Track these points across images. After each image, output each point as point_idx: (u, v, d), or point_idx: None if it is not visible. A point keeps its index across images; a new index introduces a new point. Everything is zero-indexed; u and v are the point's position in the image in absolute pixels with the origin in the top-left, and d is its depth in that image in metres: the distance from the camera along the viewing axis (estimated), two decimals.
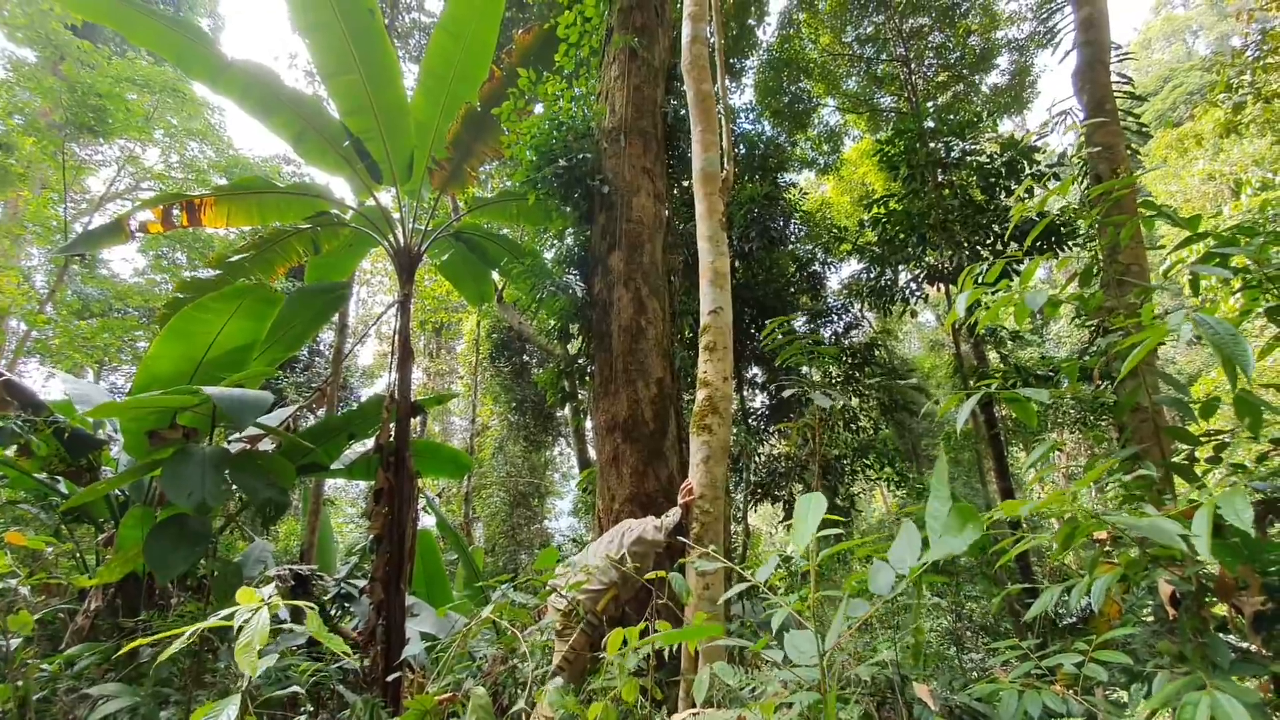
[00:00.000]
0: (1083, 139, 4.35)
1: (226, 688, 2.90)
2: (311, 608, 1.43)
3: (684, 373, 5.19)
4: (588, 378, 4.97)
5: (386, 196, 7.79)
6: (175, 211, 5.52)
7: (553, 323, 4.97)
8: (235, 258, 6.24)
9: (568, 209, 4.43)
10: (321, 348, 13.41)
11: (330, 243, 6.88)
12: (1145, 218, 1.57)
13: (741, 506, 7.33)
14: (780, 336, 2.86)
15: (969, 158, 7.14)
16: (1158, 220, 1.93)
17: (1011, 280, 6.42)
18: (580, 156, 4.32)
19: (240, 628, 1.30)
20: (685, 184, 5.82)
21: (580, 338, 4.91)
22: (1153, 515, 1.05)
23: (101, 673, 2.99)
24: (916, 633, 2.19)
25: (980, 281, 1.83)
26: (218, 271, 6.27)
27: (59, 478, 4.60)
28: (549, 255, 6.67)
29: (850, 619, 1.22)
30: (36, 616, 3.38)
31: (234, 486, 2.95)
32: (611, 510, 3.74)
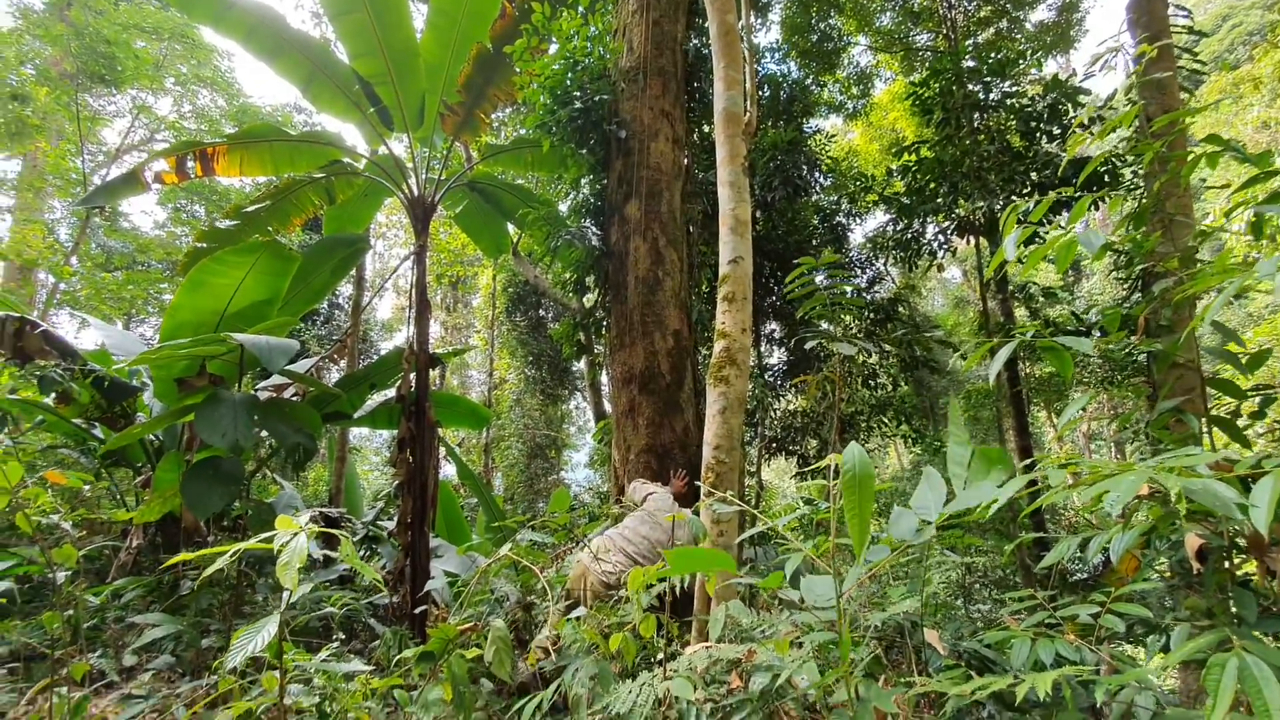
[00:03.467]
0: (1135, 75, 4.04)
1: (264, 618, 3.06)
2: (346, 536, 1.47)
3: (700, 325, 5.12)
4: (604, 330, 4.94)
5: (399, 146, 7.64)
6: (189, 161, 5.48)
7: (568, 275, 4.90)
8: (251, 208, 6.22)
9: (583, 154, 4.28)
10: (340, 300, 13.55)
11: (345, 193, 6.82)
12: (1211, 152, 1.45)
13: (755, 460, 7.38)
14: (802, 286, 2.77)
15: (1009, 100, 6.71)
16: (1207, 163, 1.79)
17: (1047, 225, 6.13)
18: (596, 99, 4.14)
19: (280, 550, 1.33)
20: (705, 129, 5.58)
21: (596, 289, 4.85)
22: (1205, 476, 1.00)
23: (146, 604, 3.17)
24: (925, 581, 2.20)
25: (1026, 220, 1.72)
26: (235, 222, 6.27)
27: (95, 423, 4.78)
28: (563, 206, 6.53)
29: (870, 563, 1.21)
30: (82, 552, 3.57)
31: (263, 432, 3.03)
32: (628, 461, 3.78)
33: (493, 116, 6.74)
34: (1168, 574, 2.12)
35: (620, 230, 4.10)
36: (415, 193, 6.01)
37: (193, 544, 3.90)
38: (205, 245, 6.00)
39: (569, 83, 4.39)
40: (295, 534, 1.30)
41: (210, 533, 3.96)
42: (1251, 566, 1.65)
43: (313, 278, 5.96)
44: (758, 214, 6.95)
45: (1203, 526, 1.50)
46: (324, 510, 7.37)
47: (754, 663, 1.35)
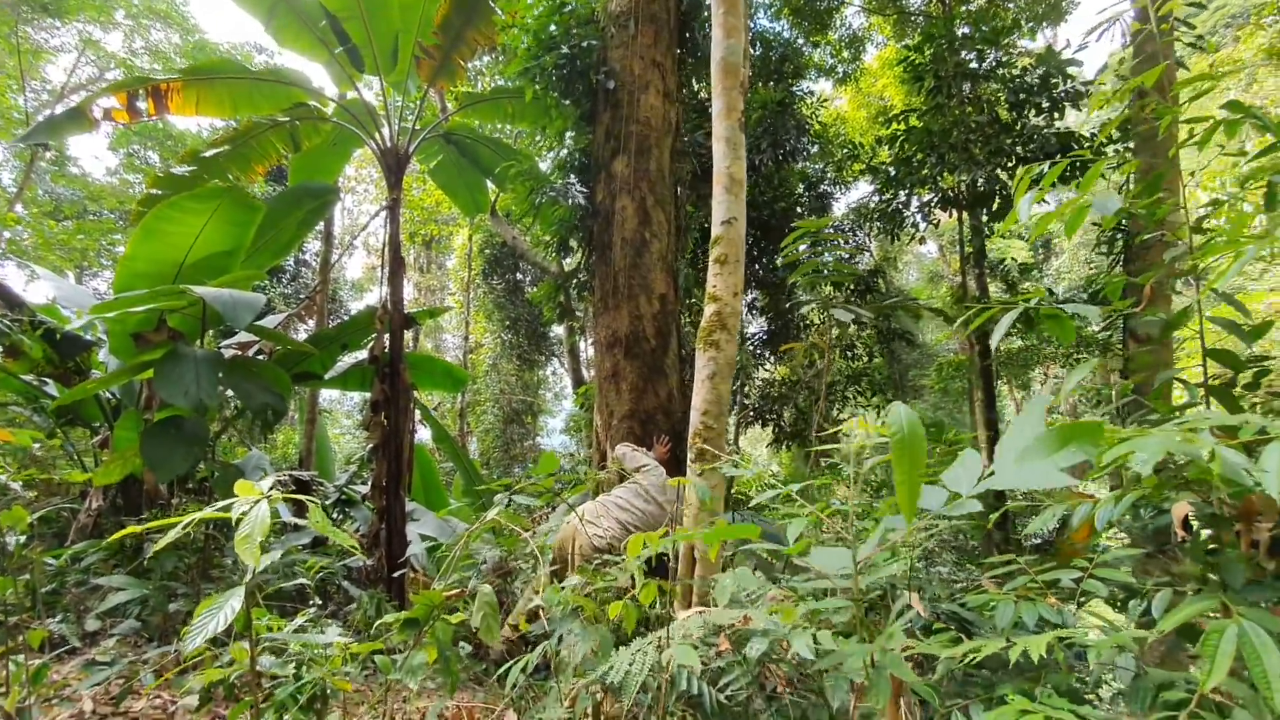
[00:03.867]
0: (1126, 53, 3.99)
1: (233, 582, 2.97)
2: (315, 503, 1.39)
3: (686, 290, 5.02)
4: (586, 293, 4.81)
5: (370, 94, 7.20)
6: (141, 98, 5.07)
7: (548, 237, 4.72)
8: (210, 152, 5.83)
9: (568, 105, 4.06)
10: (307, 257, 13.03)
11: (311, 139, 6.43)
12: (1231, 120, 1.40)
13: (734, 429, 7.43)
14: (801, 248, 2.70)
15: (1000, 70, 6.62)
16: (1226, 132, 1.75)
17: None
18: (584, 45, 3.91)
19: (239, 520, 1.24)
20: (694, 85, 5.36)
21: (580, 251, 4.70)
22: (1211, 443, 0.99)
23: (109, 568, 3.04)
24: (910, 546, 2.23)
25: (1039, 184, 1.67)
26: (191, 167, 5.88)
27: (47, 380, 4.51)
28: (545, 165, 6.25)
29: (889, 532, 1.18)
30: (39, 514, 3.40)
31: (229, 391, 2.87)
32: (610, 427, 3.73)
33: (470, 65, 6.38)
34: (1126, 542, 2.17)
35: (607, 188, 3.94)
36: (388, 142, 5.70)
37: (156, 506, 3.75)
38: (160, 192, 5.63)
39: (554, 26, 4.14)
40: (256, 501, 1.21)
41: (175, 495, 3.81)
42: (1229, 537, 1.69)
43: (279, 230, 5.66)
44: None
45: (1194, 494, 1.52)
46: (294, 473, 7.22)
47: (748, 628, 1.33)
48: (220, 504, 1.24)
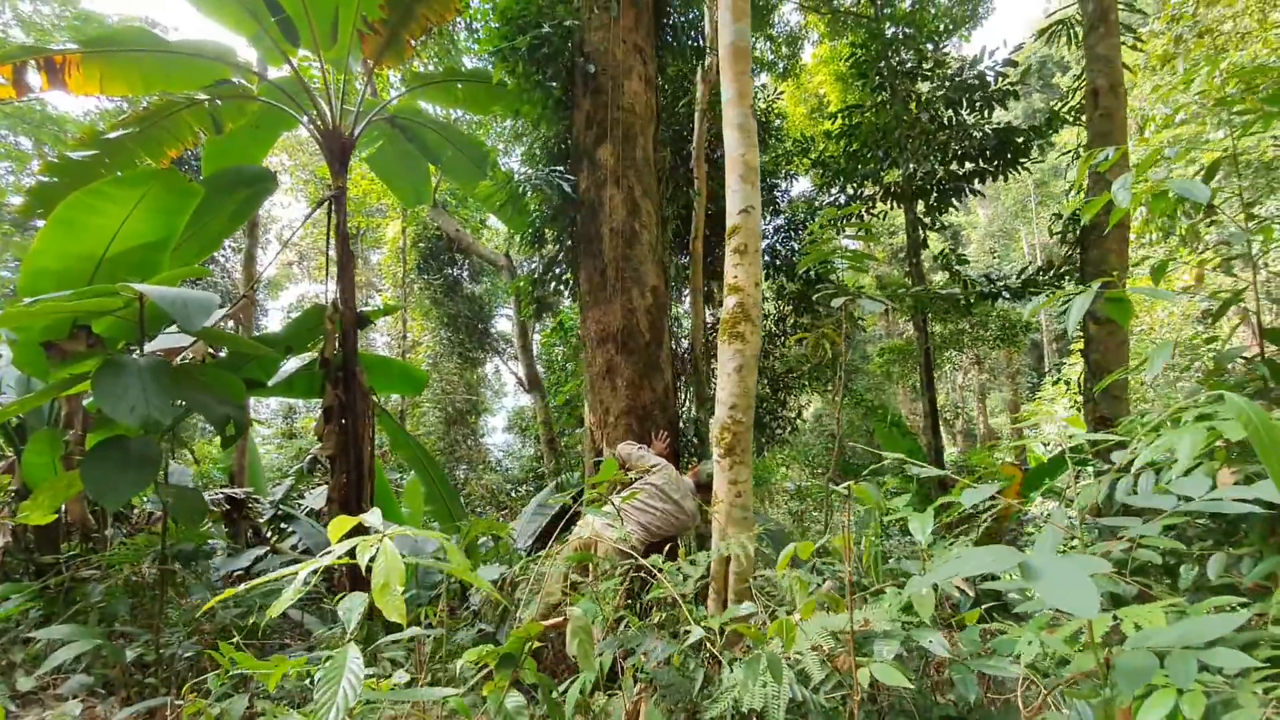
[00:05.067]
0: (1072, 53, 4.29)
1: (198, 625, 2.60)
2: (447, 541, 1.18)
3: (670, 284, 4.93)
4: (564, 287, 4.62)
5: (310, 71, 6.57)
6: (31, 71, 4.33)
7: (510, 232, 4.47)
8: (114, 134, 5.10)
9: (552, 87, 3.83)
10: (226, 252, 11.84)
11: (235, 121, 5.78)
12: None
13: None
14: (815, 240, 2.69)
15: (937, 70, 6.98)
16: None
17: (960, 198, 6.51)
18: (563, 25, 3.70)
19: (368, 567, 1.03)
20: (669, 72, 5.23)
21: (554, 243, 4.49)
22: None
23: (42, 618, 2.58)
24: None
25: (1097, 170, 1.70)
26: (92, 152, 5.12)
27: None
28: (511, 160, 5.94)
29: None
30: None
31: (180, 403, 2.49)
32: (606, 424, 3.60)
33: (418, 42, 5.94)
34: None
35: (591, 177, 3.77)
36: (331, 124, 5.22)
37: (82, 539, 3.24)
38: (51, 180, 4.88)
39: (523, 4, 3.90)
40: (379, 540, 1.00)
41: (106, 524, 3.30)
42: None
43: (206, 221, 5.04)
44: (708, 169, 6.79)
45: (1240, 465, 1.63)
46: (228, 491, 6.55)
47: (868, 629, 1.28)
48: (341, 548, 1.02)
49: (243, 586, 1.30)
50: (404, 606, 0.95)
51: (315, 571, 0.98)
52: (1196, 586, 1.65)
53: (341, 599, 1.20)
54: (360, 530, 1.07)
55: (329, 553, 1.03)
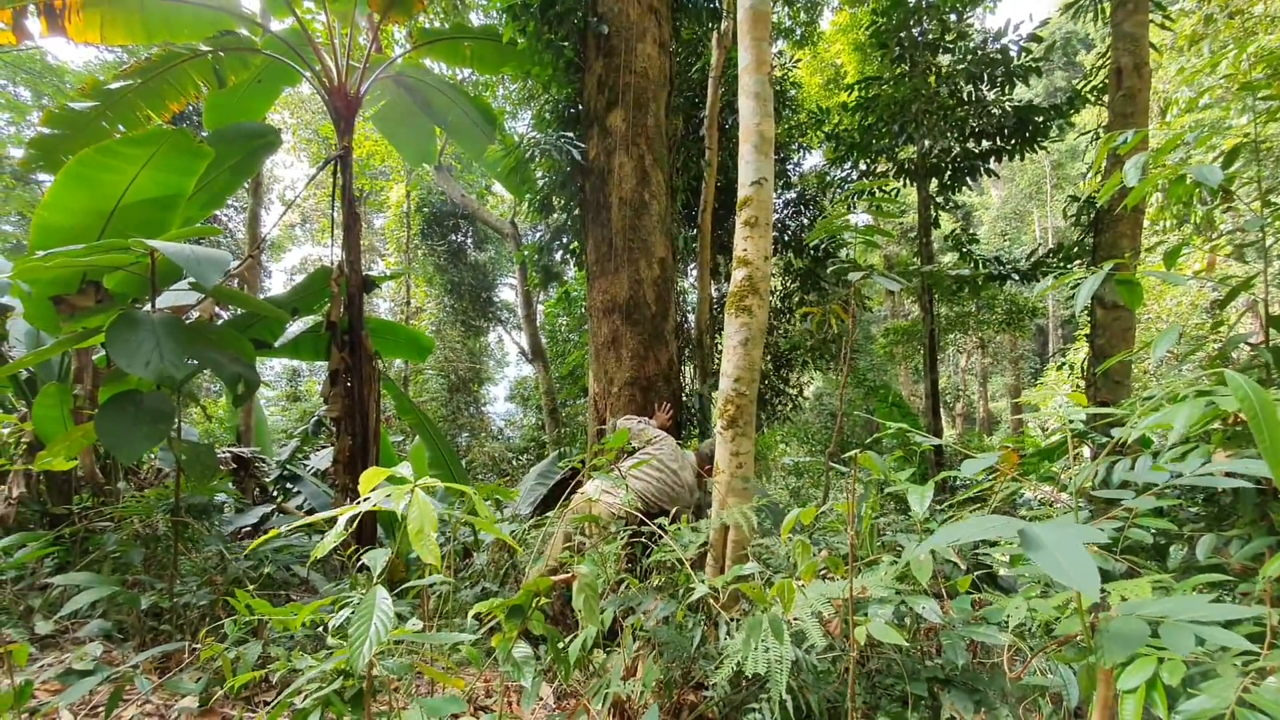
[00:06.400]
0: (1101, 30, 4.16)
1: (211, 575, 2.68)
2: (474, 494, 1.21)
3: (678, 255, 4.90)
4: (570, 255, 4.60)
5: (315, 23, 6.41)
6: (31, 16, 4.24)
7: (516, 199, 4.42)
8: (116, 85, 5.02)
9: (565, 48, 3.73)
10: (231, 210, 11.76)
11: (239, 74, 5.68)
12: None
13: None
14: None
15: (960, 43, 6.79)
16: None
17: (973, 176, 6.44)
18: None
19: (404, 515, 1.06)
20: (683, 35, 5.07)
21: (561, 211, 4.45)
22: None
23: (56, 565, 2.66)
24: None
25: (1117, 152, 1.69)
26: (93, 103, 5.05)
27: None
28: (518, 124, 5.83)
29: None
30: None
31: (192, 360, 2.52)
32: (609, 395, 3.63)
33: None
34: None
35: (601, 143, 3.72)
36: (336, 81, 5.12)
37: (99, 492, 3.32)
38: (53, 132, 4.83)
39: None
40: (411, 488, 1.04)
41: (116, 478, 3.37)
42: None
43: (210, 178, 5.00)
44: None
45: (1234, 448, 1.65)
46: (235, 450, 6.65)
47: (865, 597, 1.32)
48: (377, 496, 1.05)
49: (261, 538, 1.34)
50: (438, 551, 0.99)
51: (354, 518, 1.02)
52: (1185, 567, 1.69)
53: (354, 553, 1.23)
54: (392, 481, 1.11)
55: (366, 499, 1.06)
